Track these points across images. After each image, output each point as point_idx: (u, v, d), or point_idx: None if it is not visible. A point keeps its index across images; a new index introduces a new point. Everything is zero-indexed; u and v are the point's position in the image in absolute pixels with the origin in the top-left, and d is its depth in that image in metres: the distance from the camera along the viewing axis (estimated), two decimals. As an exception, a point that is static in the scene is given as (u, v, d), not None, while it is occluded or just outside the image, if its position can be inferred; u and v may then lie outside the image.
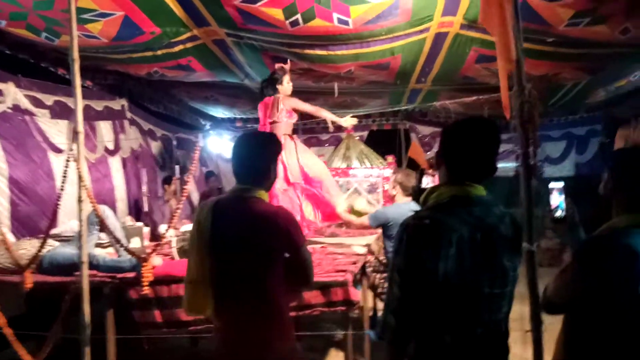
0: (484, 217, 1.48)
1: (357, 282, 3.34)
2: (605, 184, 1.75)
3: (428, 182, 4.93)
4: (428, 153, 7.33)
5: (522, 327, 2.49)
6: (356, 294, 2.78)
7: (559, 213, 2.05)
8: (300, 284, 2.07)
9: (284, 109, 3.95)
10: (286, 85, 3.95)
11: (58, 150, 4.24)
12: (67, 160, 2.45)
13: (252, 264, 1.84)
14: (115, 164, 5.16)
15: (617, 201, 1.71)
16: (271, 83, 3.97)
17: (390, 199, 4.40)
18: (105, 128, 5.01)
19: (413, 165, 7.09)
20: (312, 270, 1.99)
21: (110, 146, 5.00)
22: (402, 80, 5.35)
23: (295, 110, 4.02)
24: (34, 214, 3.97)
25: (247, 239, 1.84)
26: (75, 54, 2.45)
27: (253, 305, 1.85)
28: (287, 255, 1.90)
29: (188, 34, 4.09)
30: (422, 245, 1.41)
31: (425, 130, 7.77)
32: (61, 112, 4.27)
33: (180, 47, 4.32)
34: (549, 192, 2.12)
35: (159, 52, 4.40)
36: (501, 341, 1.55)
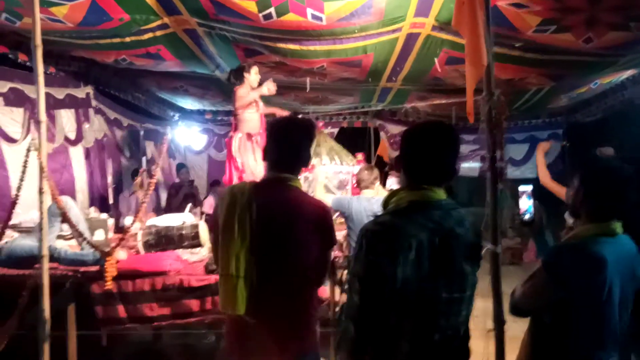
0: (443, 221, 1.48)
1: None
2: (576, 193, 1.80)
3: (392, 183, 4.99)
4: (395, 153, 7.42)
5: (484, 323, 2.56)
6: (323, 291, 2.79)
7: (527, 216, 2.11)
8: (316, 284, 1.97)
9: (243, 98, 3.98)
10: (253, 75, 3.99)
11: (12, 140, 4.06)
12: (28, 150, 2.35)
13: (294, 258, 1.77)
14: (76, 155, 4.98)
15: (585, 210, 1.77)
16: (236, 73, 4.01)
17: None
18: (66, 117, 4.83)
19: (381, 163, 7.17)
20: (327, 273, 1.97)
21: (72, 136, 4.82)
22: (374, 78, 5.39)
23: (250, 102, 4.08)
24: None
25: (292, 231, 1.77)
26: (38, 40, 2.35)
27: (291, 303, 1.79)
28: (317, 248, 1.83)
29: (158, 22, 3.99)
30: (381, 252, 1.41)
31: (395, 129, 7.85)
32: (16, 99, 4.08)
33: (150, 34, 4.21)
34: (518, 195, 2.18)
35: (127, 39, 4.27)
36: (461, 345, 1.56)
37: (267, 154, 1.87)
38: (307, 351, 1.85)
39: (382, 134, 7.89)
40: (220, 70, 5.25)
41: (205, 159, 8.54)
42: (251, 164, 4.21)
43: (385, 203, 1.59)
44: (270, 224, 1.76)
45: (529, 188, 2.27)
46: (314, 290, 1.94)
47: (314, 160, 7.31)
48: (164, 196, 6.76)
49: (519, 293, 1.81)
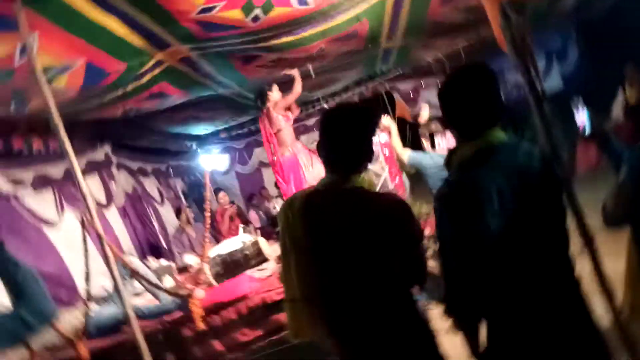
0: (514, 160, 1.42)
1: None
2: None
3: (443, 142, 4.88)
4: (415, 108, 7.27)
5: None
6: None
7: (588, 129, 2.00)
8: (414, 283, 1.71)
9: (278, 116, 3.99)
10: (275, 93, 4.02)
11: (51, 223, 4.11)
12: (83, 227, 2.38)
13: (368, 269, 1.55)
14: (112, 216, 5.03)
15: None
16: (260, 96, 4.05)
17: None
18: (92, 183, 4.88)
19: (402, 124, 7.04)
20: (427, 267, 1.69)
21: (102, 200, 4.86)
22: (373, 43, 5.26)
23: (288, 108, 4.08)
24: (50, 290, 3.82)
25: (358, 241, 1.54)
26: (57, 118, 2.36)
27: (378, 315, 1.57)
28: (402, 250, 1.60)
29: (153, 61, 3.98)
30: (466, 210, 1.35)
31: (406, 86, 7.69)
32: (41, 183, 4.13)
33: (148, 76, 4.20)
34: (569, 111, 2.06)
35: (130, 88, 4.28)
36: (568, 275, 1.50)
37: (322, 152, 1.64)
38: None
39: (395, 95, 7.74)
40: (223, 87, 5.23)
41: (234, 176, 8.60)
42: (309, 176, 4.13)
43: (448, 163, 1.53)
44: (330, 239, 1.56)
45: (579, 97, 2.14)
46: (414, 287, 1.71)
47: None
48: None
49: (611, 204, 1.73)
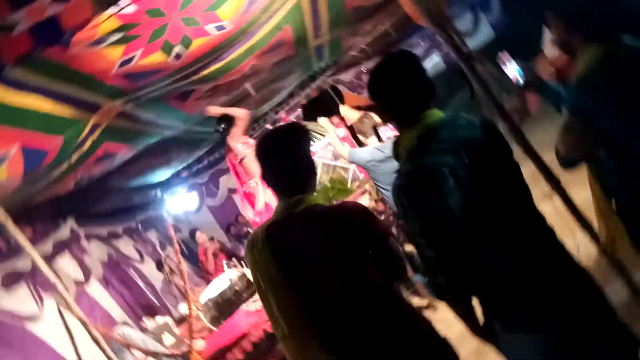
0: (456, 135, 1.43)
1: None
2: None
3: (385, 131, 4.92)
4: (364, 94, 7.32)
5: (541, 191, 2.51)
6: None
7: (521, 79, 2.02)
8: (395, 278, 1.73)
9: (237, 144, 4.01)
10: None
11: (33, 318, 3.91)
12: (60, 314, 2.29)
13: (348, 281, 1.54)
14: (95, 290, 4.87)
15: None
16: (225, 121, 4.10)
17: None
18: (65, 263, 4.72)
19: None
20: (404, 261, 1.72)
21: (80, 277, 4.71)
22: (302, 45, 5.26)
23: (244, 133, 4.14)
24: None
25: (329, 257, 1.54)
26: (2, 215, 2.27)
27: (374, 320, 1.56)
28: (372, 250, 1.62)
29: (89, 126, 3.87)
30: (426, 197, 1.37)
31: (349, 75, 7.73)
32: (13, 279, 3.97)
33: (89, 141, 4.09)
34: (500, 65, 2.08)
35: (74, 159, 4.16)
36: (540, 226, 1.52)
37: (267, 182, 1.64)
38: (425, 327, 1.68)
39: (340, 87, 7.76)
40: (167, 129, 5.14)
41: (207, 211, 8.47)
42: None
43: (396, 153, 1.54)
44: (304, 261, 1.55)
45: (504, 52, 2.17)
46: (397, 283, 1.79)
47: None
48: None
49: (563, 148, 1.75)
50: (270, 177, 1.63)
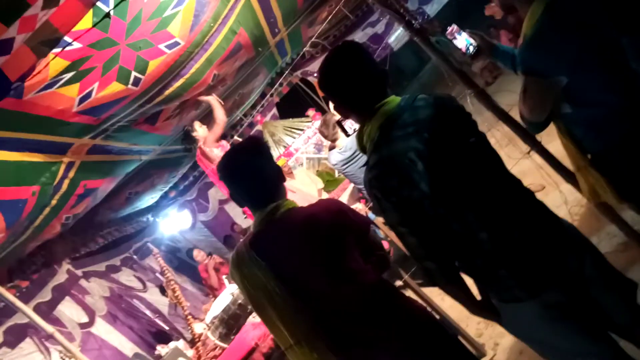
0: (416, 117, 1.41)
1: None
2: None
3: (350, 124, 4.89)
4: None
5: (520, 151, 2.50)
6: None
7: (472, 49, 1.99)
8: (381, 269, 1.76)
9: (212, 149, 3.97)
10: (200, 130, 4.03)
11: None
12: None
13: (338, 274, 1.56)
14: (101, 328, 4.84)
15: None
16: (186, 139, 4.03)
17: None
18: (67, 307, 4.67)
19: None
20: (385, 251, 1.76)
21: (84, 319, 4.66)
22: (262, 45, 5.19)
23: (217, 140, 4.09)
24: None
25: (316, 258, 1.55)
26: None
27: (368, 312, 1.57)
28: (358, 245, 1.63)
29: (63, 167, 3.82)
30: (396, 187, 1.36)
31: (315, 65, 7.67)
32: (17, 335, 3.92)
33: (67, 182, 4.03)
34: (448, 41, 2.04)
35: (54, 202, 4.10)
36: (518, 188, 1.51)
37: (239, 199, 1.65)
38: (420, 309, 1.71)
39: (310, 79, 7.71)
40: (145, 154, 5.08)
41: (202, 227, 8.42)
42: None
43: (362, 146, 1.51)
44: (294, 267, 1.56)
45: (452, 26, 2.13)
46: (383, 273, 1.75)
47: (280, 149, 7.20)
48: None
49: (526, 111, 1.74)
50: (240, 195, 1.64)
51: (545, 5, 1.53)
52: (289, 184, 3.97)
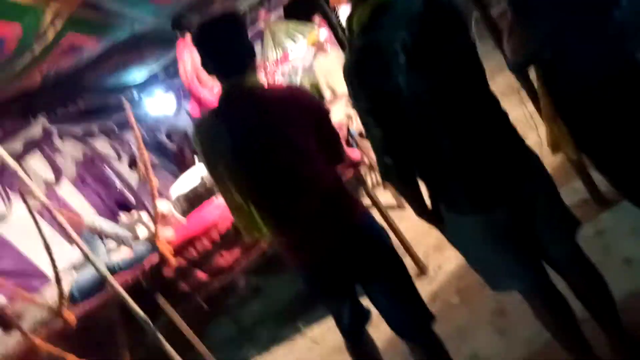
0: (410, 10, 1.36)
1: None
2: None
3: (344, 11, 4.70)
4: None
5: (512, 86, 2.46)
6: (353, 153, 2.76)
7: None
8: (335, 161, 1.87)
9: None
10: None
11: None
12: (31, 214, 2.31)
13: (293, 155, 1.66)
14: (66, 191, 4.83)
15: None
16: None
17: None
18: (35, 163, 4.63)
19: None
20: (342, 145, 1.86)
21: (50, 177, 4.64)
22: None
23: None
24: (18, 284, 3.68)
25: (277, 133, 1.63)
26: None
27: (313, 194, 1.68)
28: (317, 130, 1.71)
29: (50, 15, 3.64)
30: (375, 73, 1.34)
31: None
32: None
33: (52, 31, 3.87)
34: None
35: (37, 51, 3.97)
36: (494, 110, 1.50)
37: (209, 65, 1.67)
38: (361, 212, 1.83)
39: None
40: (139, 23, 4.87)
41: (186, 117, 8.31)
42: None
43: (349, 29, 1.47)
44: (255, 135, 1.63)
45: None
46: (336, 166, 1.87)
47: (279, 52, 6.98)
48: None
49: (509, 49, 1.69)
50: (211, 62, 1.67)
51: None
52: None
